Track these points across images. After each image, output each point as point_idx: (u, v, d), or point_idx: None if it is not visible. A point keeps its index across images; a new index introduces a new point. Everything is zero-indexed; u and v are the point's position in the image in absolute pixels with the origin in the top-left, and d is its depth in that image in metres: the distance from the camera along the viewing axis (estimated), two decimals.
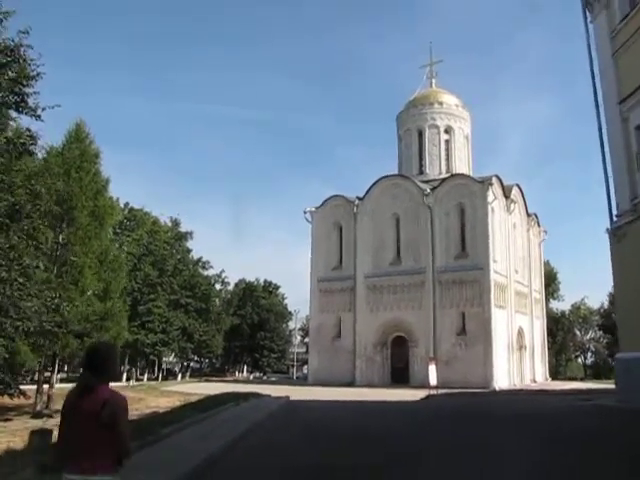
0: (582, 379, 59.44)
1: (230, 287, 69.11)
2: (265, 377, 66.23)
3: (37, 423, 17.53)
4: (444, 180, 40.53)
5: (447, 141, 45.86)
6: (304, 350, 69.25)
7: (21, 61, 12.48)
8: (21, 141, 12.73)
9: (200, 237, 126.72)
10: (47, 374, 24.36)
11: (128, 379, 47.50)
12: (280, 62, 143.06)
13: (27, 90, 12.86)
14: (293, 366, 70.63)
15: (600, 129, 17.62)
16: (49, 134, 23.90)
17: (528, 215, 46.15)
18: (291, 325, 77.34)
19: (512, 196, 41.74)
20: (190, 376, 58.97)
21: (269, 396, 22.08)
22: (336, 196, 44.32)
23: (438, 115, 45.79)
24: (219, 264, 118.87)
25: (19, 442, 13.40)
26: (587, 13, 19.13)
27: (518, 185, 43.83)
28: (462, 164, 45.54)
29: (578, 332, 74.58)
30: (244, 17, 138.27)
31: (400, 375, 37.87)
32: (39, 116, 12.97)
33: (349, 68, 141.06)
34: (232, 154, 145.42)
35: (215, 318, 58.05)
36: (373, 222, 41.56)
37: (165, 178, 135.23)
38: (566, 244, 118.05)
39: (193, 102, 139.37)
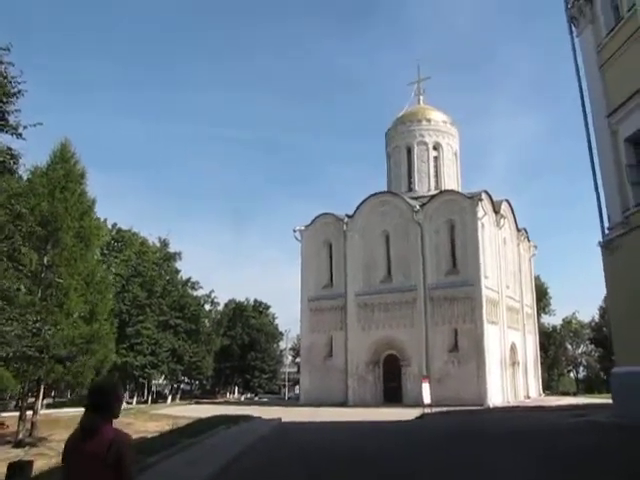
0: (575, 394, 59.21)
1: (220, 307, 68.60)
2: (256, 398, 65.40)
3: (18, 453, 16.96)
4: (433, 196, 40.52)
5: (436, 158, 45.99)
6: (295, 370, 68.58)
7: (1, 78, 12.17)
8: (0, 159, 12.37)
9: (189, 257, 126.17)
10: (31, 400, 23.71)
11: None
12: (268, 81, 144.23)
13: (8, 108, 12.55)
14: (285, 386, 69.85)
15: (589, 142, 17.59)
16: (35, 155, 23.52)
17: (518, 230, 46.23)
18: (282, 345, 76.85)
19: (502, 211, 41.80)
20: (180, 398, 58.08)
21: (260, 418, 21.59)
22: (325, 214, 44.13)
23: (426, 132, 45.98)
24: (208, 284, 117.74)
25: None
26: (573, 28, 19.26)
27: (507, 200, 43.95)
28: (451, 180, 45.63)
29: (570, 346, 74.64)
30: (232, 35, 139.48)
31: (393, 394, 37.40)
32: (20, 134, 12.65)
33: (337, 86, 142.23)
34: (221, 174, 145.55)
35: (205, 339, 57.38)
36: (363, 240, 41.37)
37: (153, 198, 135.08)
38: (555, 259, 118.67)
39: (180, 122, 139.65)
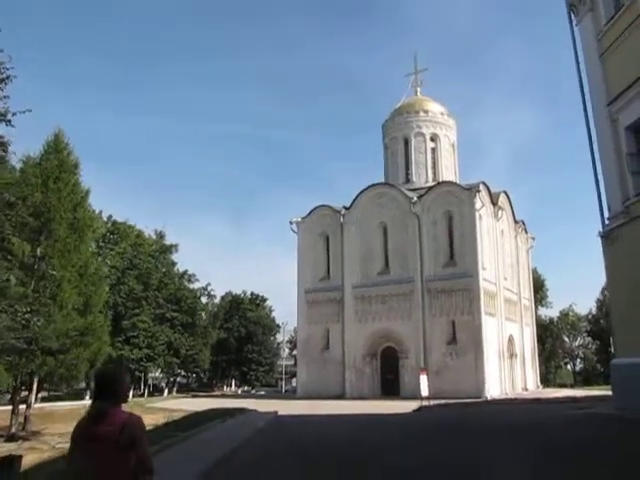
0: (572, 386, 59.38)
1: (216, 300, 68.34)
2: (253, 391, 65.32)
3: (10, 447, 16.73)
4: (431, 188, 40.24)
5: (433, 149, 45.68)
6: (292, 363, 68.46)
7: None
8: None
9: (186, 250, 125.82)
10: (25, 393, 23.47)
11: None
12: (264, 78, 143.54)
13: None
14: (282, 379, 69.71)
15: (589, 132, 17.35)
16: (30, 149, 23.06)
17: (516, 222, 46.05)
18: (279, 338, 76.74)
19: (499, 203, 41.58)
20: (177, 391, 57.93)
21: (256, 411, 21.41)
22: (322, 206, 43.83)
23: (424, 123, 45.64)
24: (205, 277, 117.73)
25: None
26: (572, 16, 18.98)
27: (505, 192, 43.72)
28: (449, 172, 45.34)
29: (567, 339, 74.78)
30: (227, 32, 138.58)
31: (391, 386, 37.27)
32: (9, 121, 12.31)
33: (335, 82, 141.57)
34: (219, 168, 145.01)
35: (202, 332, 57.14)
36: (360, 231, 41.11)
37: (150, 193, 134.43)
38: (552, 251, 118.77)
39: (179, 119, 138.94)
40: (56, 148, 23.17)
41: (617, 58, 16.30)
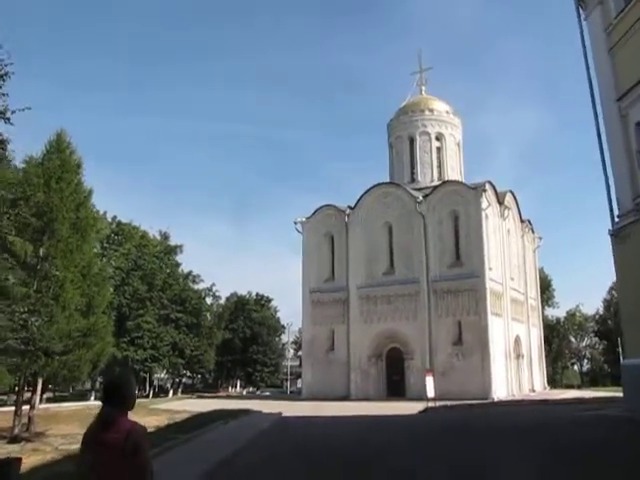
0: (579, 387, 58.98)
1: (221, 301, 68.14)
2: (258, 392, 65.16)
3: (14, 448, 16.54)
4: (436, 187, 39.93)
5: (439, 148, 45.38)
6: (298, 363, 68.26)
7: None
8: None
9: (191, 251, 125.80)
10: (29, 394, 23.31)
11: None
12: (267, 78, 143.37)
13: None
14: (287, 380, 69.48)
15: (598, 128, 17.05)
16: (34, 151, 22.90)
17: (522, 221, 45.66)
18: (284, 338, 76.48)
19: (506, 202, 41.22)
20: (182, 392, 57.75)
21: (260, 413, 21.19)
22: (327, 206, 43.59)
23: (429, 122, 45.34)
24: (210, 278, 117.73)
25: None
26: (580, 10, 18.68)
27: (512, 191, 43.35)
28: (454, 171, 45.04)
29: (573, 339, 74.31)
30: (230, 32, 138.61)
31: (396, 387, 36.99)
32: (8, 119, 12.12)
33: (338, 82, 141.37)
34: (223, 169, 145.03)
35: (206, 333, 56.90)
36: (365, 231, 40.85)
37: (155, 194, 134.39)
38: (559, 251, 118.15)
39: (184, 118, 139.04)
40: (58, 148, 22.94)
41: (627, 52, 15.99)
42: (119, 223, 54.09)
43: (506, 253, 40.79)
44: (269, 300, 73.99)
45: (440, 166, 44.90)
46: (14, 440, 18.37)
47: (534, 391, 41.49)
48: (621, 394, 16.55)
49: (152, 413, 28.77)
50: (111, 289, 41.81)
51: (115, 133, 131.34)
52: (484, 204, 37.28)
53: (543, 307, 56.43)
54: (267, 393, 59.57)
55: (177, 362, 51.94)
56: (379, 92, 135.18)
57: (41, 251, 21.06)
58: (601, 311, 70.03)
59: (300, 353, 59.16)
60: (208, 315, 60.35)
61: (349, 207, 42.09)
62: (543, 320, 52.27)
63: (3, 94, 11.99)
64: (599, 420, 15.70)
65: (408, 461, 9.92)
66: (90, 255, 24.21)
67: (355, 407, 27.76)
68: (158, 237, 56.20)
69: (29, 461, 13.94)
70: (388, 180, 44.72)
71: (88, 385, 52.32)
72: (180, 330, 51.95)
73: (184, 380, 65.09)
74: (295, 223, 43.76)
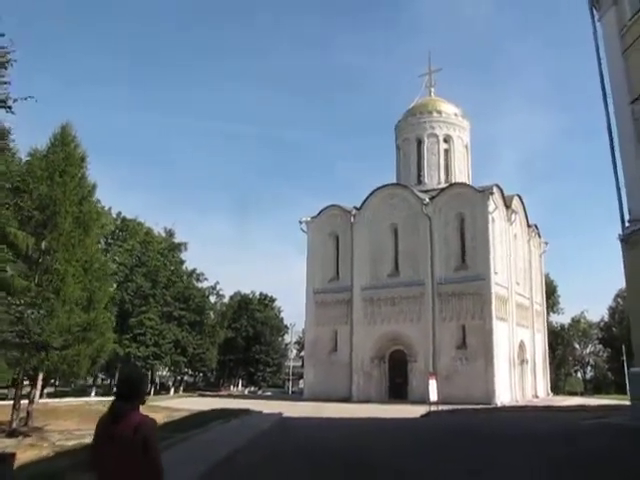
0: (582, 394, 58.39)
1: (225, 300, 67.97)
2: (260, 391, 64.95)
3: (11, 442, 16.38)
4: (443, 189, 39.61)
5: (446, 150, 45.06)
6: (300, 364, 67.96)
7: None
8: None
9: (196, 250, 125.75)
10: (29, 389, 23.17)
11: None
12: (274, 77, 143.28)
13: None
14: (289, 380, 69.23)
15: (610, 132, 16.73)
16: (41, 145, 22.77)
17: (529, 226, 45.24)
18: (287, 339, 76.22)
19: (513, 206, 40.81)
20: (184, 390, 57.55)
21: (261, 413, 20.94)
22: (332, 206, 43.33)
23: (437, 124, 45.03)
24: (214, 277, 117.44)
25: None
26: (594, 12, 18.37)
27: (519, 195, 42.94)
28: (461, 174, 44.70)
29: (578, 346, 73.68)
30: (241, 31, 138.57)
31: (398, 390, 36.68)
32: (10, 107, 11.92)
33: (343, 81, 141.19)
34: (228, 168, 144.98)
35: (209, 331, 56.74)
36: (370, 232, 40.55)
37: (160, 192, 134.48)
38: (564, 258, 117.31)
39: (189, 117, 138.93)
40: (63, 141, 22.80)
41: None
42: (124, 219, 54.04)
43: (512, 257, 40.39)
44: (273, 300, 73.84)
45: (447, 168, 44.58)
46: (11, 434, 18.23)
47: (537, 397, 41.09)
48: (625, 402, 16.25)
49: (150, 411, 28.34)
50: (114, 285, 41.72)
51: (115, 133, 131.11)
52: (491, 207, 36.93)
53: (548, 313, 55.97)
54: (269, 393, 59.36)
55: (179, 360, 51.79)
56: (386, 93, 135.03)
57: (43, 244, 20.93)
58: (606, 318, 69.52)
59: (303, 354, 58.87)
60: (211, 313, 60.20)
61: (355, 208, 41.82)
62: (548, 326, 51.85)
63: (4, 82, 11.79)
64: (603, 428, 15.38)
65: (409, 466, 9.68)
66: (92, 250, 24.03)
67: (357, 409, 27.52)
68: (163, 234, 56.08)
69: (24, 456, 13.76)
70: (395, 181, 44.44)
71: (90, 381, 52.23)
72: (183, 328, 51.80)
73: (186, 378, 64.95)
74: (300, 223, 43.55)
